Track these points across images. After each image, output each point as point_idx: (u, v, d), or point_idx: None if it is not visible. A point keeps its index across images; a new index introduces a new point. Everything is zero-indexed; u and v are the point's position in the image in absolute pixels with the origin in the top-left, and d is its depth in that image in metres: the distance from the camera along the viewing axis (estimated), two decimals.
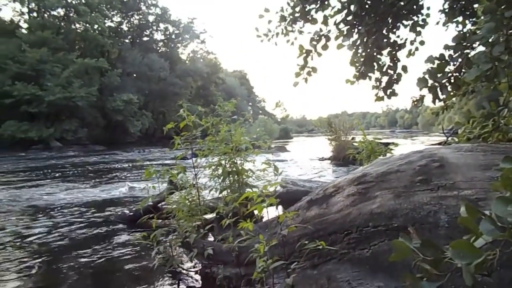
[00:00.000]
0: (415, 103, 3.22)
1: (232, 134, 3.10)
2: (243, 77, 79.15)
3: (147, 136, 36.31)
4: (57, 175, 10.51)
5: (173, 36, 46.49)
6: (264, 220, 2.89)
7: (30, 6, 33.70)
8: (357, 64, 3.99)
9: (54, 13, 34.52)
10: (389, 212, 1.68)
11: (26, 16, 34.17)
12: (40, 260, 3.40)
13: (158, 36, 46.12)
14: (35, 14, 34.10)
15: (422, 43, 3.80)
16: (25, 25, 33.36)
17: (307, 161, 12.86)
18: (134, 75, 38.53)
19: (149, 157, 16.03)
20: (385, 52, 3.91)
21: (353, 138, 12.32)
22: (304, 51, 3.76)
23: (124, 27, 43.34)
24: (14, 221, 5.02)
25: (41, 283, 2.90)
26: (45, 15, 34.12)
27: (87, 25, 34.16)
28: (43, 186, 8.20)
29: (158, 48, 45.28)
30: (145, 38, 44.41)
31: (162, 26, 45.23)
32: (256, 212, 2.95)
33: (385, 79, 3.94)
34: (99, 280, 2.93)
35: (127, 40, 42.76)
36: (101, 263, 3.27)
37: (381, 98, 4.06)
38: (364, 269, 1.62)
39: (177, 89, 39.58)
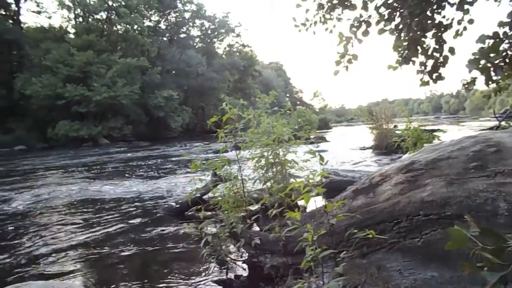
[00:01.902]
0: (466, 86, 3.06)
1: (274, 125, 3.12)
2: (280, 69, 78.68)
3: (187, 131, 37.30)
4: (106, 170, 11.13)
5: (209, 31, 47.12)
6: (308, 210, 2.90)
7: (76, 12, 35.59)
8: (400, 49, 3.85)
9: (98, 16, 36.23)
10: (441, 200, 1.63)
11: (73, 22, 36.16)
12: (91, 249, 3.64)
13: (195, 32, 47.00)
14: (80, 19, 35.96)
15: (471, 21, 3.57)
16: (72, 30, 35.34)
17: (348, 151, 12.60)
18: (173, 71, 39.60)
19: (190, 151, 16.49)
20: (429, 34, 3.73)
21: (395, 126, 11.91)
22: (343, 38, 3.68)
23: (162, 25, 44.54)
24: (67, 213, 5.41)
25: (94, 270, 3.11)
26: (90, 19, 35.86)
27: (128, 26, 35.47)
28: (94, 180, 8.72)
29: (195, 44, 46.11)
30: (182, 35, 45.41)
31: (198, 22, 45.98)
32: (300, 202, 2.97)
33: (430, 62, 3.77)
34: (149, 269, 3.09)
35: (165, 38, 43.96)
36: (150, 253, 3.44)
37: (427, 83, 3.89)
38: (416, 258, 1.59)
39: (214, 83, 40.19)
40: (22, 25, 34.60)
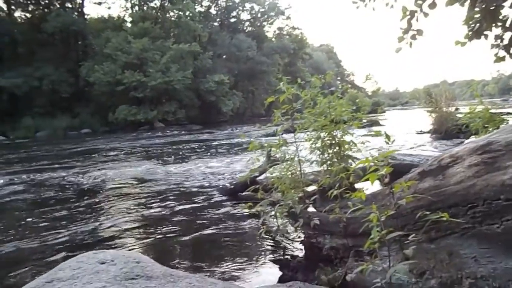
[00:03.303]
0: None
1: (332, 106, 3.03)
2: (330, 51, 76.46)
3: (238, 115, 37.82)
4: (162, 152, 11.68)
5: (259, 15, 46.80)
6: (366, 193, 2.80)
7: (133, 1, 37.21)
8: (471, 22, 3.52)
9: (152, 4, 37.60)
10: None
11: (130, 11, 37.86)
12: (150, 225, 3.85)
13: (245, 16, 46.94)
14: (136, 8, 37.53)
15: None
16: (129, 19, 37.04)
17: (404, 135, 12.02)
18: (224, 56, 40.07)
19: (242, 134, 16.72)
20: (507, 3, 3.36)
21: (456, 109, 11.15)
22: (407, 12, 3.44)
23: (213, 10, 45.04)
24: (128, 191, 5.76)
25: (153, 245, 3.28)
26: (145, 7, 37.30)
27: (180, 12, 36.34)
28: (152, 161, 9.20)
29: (245, 28, 46.12)
30: (232, 20, 45.60)
31: (248, 5, 45.81)
32: (357, 185, 2.88)
33: (508, 35, 3.41)
34: (205, 247, 3.20)
35: (216, 23, 44.43)
36: (206, 231, 3.56)
37: (502, 59, 3.54)
38: (495, 246, 1.47)
39: (264, 67, 40.10)
40: (85, 16, 36.90)
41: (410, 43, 3.47)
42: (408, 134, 12.32)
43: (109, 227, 3.89)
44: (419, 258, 1.69)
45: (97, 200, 5.22)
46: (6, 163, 10.86)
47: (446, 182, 1.89)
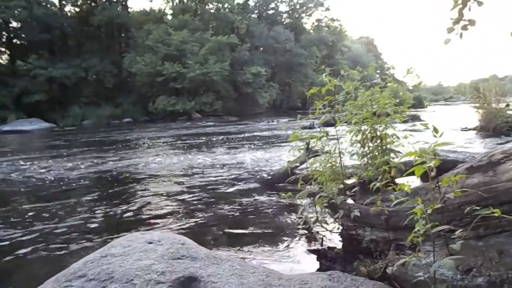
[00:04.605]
0: None
1: (374, 98, 2.97)
2: (370, 43, 74.21)
3: (274, 107, 37.81)
4: (200, 141, 11.97)
5: (297, 6, 46.21)
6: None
7: None
8: None
9: None
10: None
11: (170, 3, 38.72)
12: (186, 213, 3.98)
13: (283, 7, 46.52)
14: (177, 1, 38.30)
15: None
16: (170, 11, 37.94)
17: (447, 131, 11.47)
18: (261, 48, 40.06)
19: (277, 127, 16.75)
20: None
21: (507, 105, 10.50)
22: (459, 1, 3.28)
23: (251, 2, 45.00)
24: (168, 178, 5.98)
25: (192, 230, 3.38)
26: (185, 0, 37.97)
27: (219, 4, 36.72)
28: (190, 150, 9.46)
29: (283, 20, 45.75)
30: (270, 11, 45.34)
31: None
32: (397, 180, 2.82)
33: None
34: (242, 235, 3.26)
35: (254, 15, 44.40)
36: (244, 220, 3.63)
37: None
38: None
39: (302, 59, 39.67)
40: (129, 9, 38.24)
41: (461, 34, 3.30)
42: (452, 130, 11.78)
43: (151, 210, 4.08)
44: (466, 255, 1.65)
45: (138, 186, 5.48)
46: (57, 148, 11.64)
47: (497, 178, 1.83)
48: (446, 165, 2.71)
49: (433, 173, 1.64)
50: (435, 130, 1.71)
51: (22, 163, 8.19)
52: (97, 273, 1.64)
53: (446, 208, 1.78)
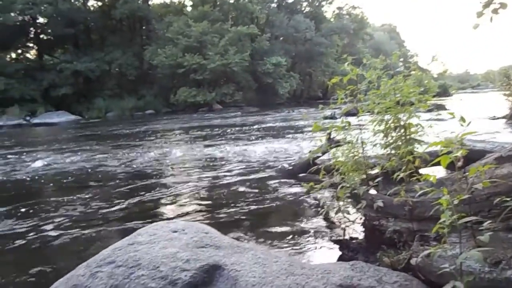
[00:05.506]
0: None
1: (398, 87, 2.90)
2: (393, 31, 72.21)
3: (294, 98, 37.52)
4: (221, 132, 12.06)
5: None
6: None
7: None
8: None
9: None
10: None
11: None
12: (209, 202, 4.05)
13: None
14: None
15: None
16: (190, 3, 38.02)
17: (474, 120, 11.06)
18: (281, 38, 39.64)
19: (298, 117, 16.64)
20: None
21: None
22: None
23: None
24: (190, 168, 6.07)
25: (213, 219, 3.43)
26: None
27: None
28: (212, 141, 9.56)
29: (303, 9, 44.99)
30: (290, 0, 44.66)
31: None
32: (421, 171, 2.76)
33: None
34: (264, 224, 3.29)
35: (273, 4, 43.82)
36: (265, 209, 3.65)
37: None
38: None
39: (322, 48, 39.03)
40: (149, 2, 38.56)
41: (491, 18, 3.17)
42: (479, 119, 11.37)
43: (175, 200, 4.18)
44: (495, 247, 1.61)
45: (162, 176, 5.60)
46: (85, 140, 12.03)
47: None
48: (473, 155, 2.64)
49: (460, 163, 1.60)
50: (462, 119, 1.66)
51: (54, 154, 8.52)
52: (125, 260, 1.70)
53: (474, 199, 1.73)
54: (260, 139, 9.64)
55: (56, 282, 1.77)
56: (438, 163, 1.63)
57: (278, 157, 6.49)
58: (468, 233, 1.72)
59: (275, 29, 38.56)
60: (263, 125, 13.91)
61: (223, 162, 6.40)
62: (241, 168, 5.76)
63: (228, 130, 12.70)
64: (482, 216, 1.76)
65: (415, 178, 2.16)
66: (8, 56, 33.43)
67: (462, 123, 1.71)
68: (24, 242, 3.10)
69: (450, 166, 1.68)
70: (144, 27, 37.95)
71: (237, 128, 13.25)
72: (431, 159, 2.31)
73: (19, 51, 34.22)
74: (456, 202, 1.44)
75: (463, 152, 1.46)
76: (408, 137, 2.89)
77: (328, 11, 47.50)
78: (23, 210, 4.03)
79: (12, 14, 29.44)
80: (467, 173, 1.63)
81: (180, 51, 31.29)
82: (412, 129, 2.93)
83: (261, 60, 34.18)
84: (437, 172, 3.53)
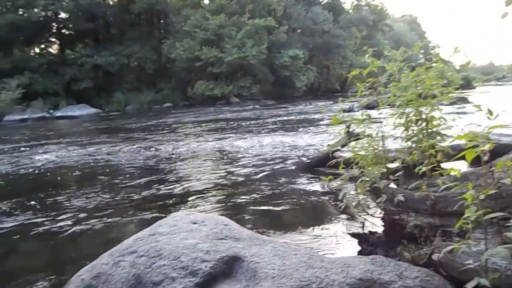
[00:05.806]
0: None
1: (420, 79, 2.83)
2: (413, 22, 70.41)
3: (312, 90, 37.17)
4: (239, 125, 12.10)
5: None
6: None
7: None
8: None
9: None
10: None
11: None
12: (227, 195, 4.08)
13: None
14: None
15: None
16: None
17: (500, 114, 10.72)
18: (299, 30, 39.17)
19: (315, 110, 16.51)
20: None
21: None
22: None
23: None
24: (206, 161, 6.13)
25: (230, 212, 3.46)
26: None
27: None
28: (230, 134, 9.60)
29: (321, 0, 44.28)
30: None
31: None
32: (443, 165, 2.69)
33: None
34: (282, 217, 3.30)
35: None
36: (283, 203, 3.63)
37: None
38: None
39: (340, 40, 38.41)
40: None
41: None
42: (505, 112, 10.98)
43: (194, 192, 4.23)
44: None
45: (181, 168, 5.67)
46: (107, 133, 12.31)
47: None
48: (499, 149, 2.56)
49: (486, 157, 1.56)
50: (490, 112, 1.61)
51: (75, 147, 8.75)
52: (146, 250, 1.74)
53: (500, 194, 1.68)
54: (276, 132, 9.62)
55: (80, 270, 1.83)
56: (461, 158, 1.59)
57: (295, 150, 6.47)
58: (493, 229, 1.68)
59: (293, 21, 38.13)
60: (280, 118, 13.87)
61: (239, 155, 6.42)
62: (257, 161, 5.77)
63: (245, 123, 12.72)
64: (508, 212, 1.71)
65: (437, 172, 2.12)
66: (32, 51, 34.40)
67: (490, 116, 1.66)
68: (45, 230, 3.21)
69: (473, 162, 1.64)
70: (162, 21, 38.22)
71: (254, 121, 13.25)
72: (454, 153, 2.26)
73: (42, 46, 35.14)
74: (482, 197, 1.41)
75: (490, 145, 1.42)
76: (430, 130, 2.83)
77: (347, 2, 46.89)
78: (44, 200, 4.18)
79: (36, 10, 30.19)
80: (493, 168, 1.59)
81: (197, 44, 31.40)
82: (435, 122, 2.87)
83: (278, 53, 33.93)
84: (458, 167, 3.45)
